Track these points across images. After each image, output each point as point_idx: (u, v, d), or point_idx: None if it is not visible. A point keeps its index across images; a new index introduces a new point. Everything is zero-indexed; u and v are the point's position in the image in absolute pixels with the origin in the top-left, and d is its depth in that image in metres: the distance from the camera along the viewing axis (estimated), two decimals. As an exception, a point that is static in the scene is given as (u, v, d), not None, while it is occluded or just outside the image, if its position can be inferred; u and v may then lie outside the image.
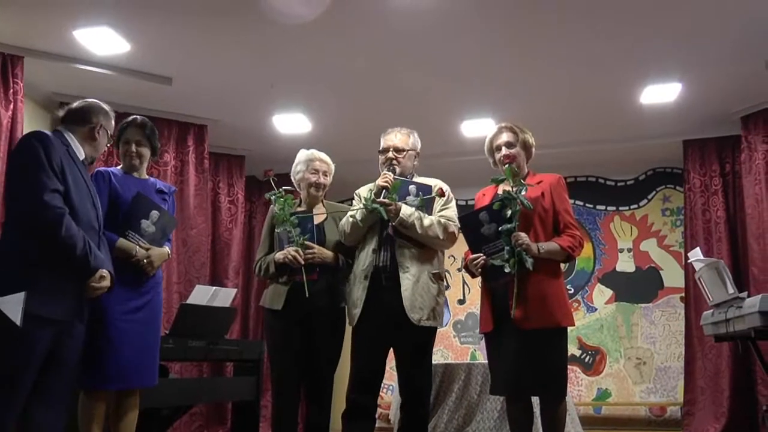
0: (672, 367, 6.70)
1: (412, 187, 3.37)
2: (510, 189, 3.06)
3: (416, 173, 3.57)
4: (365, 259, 3.35)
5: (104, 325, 3.01)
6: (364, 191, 3.48)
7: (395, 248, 3.30)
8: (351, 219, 3.39)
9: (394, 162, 3.44)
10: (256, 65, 5.17)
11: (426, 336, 3.34)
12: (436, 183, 3.46)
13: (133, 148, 3.31)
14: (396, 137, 3.50)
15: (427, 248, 3.35)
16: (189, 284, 5.69)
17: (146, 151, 3.35)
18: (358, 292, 3.32)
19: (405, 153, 3.48)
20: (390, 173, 3.37)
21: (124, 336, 3.05)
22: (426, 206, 3.33)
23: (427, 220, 3.29)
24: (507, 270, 2.94)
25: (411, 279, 3.25)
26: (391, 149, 3.47)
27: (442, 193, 3.35)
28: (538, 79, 5.34)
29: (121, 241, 3.13)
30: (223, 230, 6.65)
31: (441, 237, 3.31)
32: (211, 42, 4.82)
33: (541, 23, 4.55)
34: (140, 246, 3.17)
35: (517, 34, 4.70)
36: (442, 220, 3.34)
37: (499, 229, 2.99)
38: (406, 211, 3.25)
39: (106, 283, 2.76)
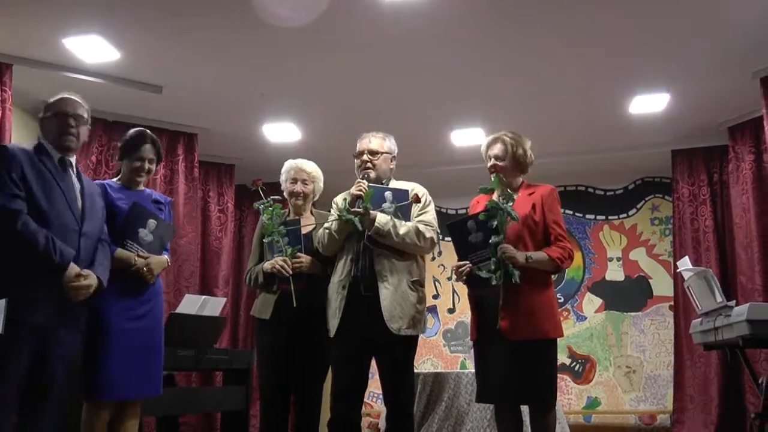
0: (661, 375, 6.71)
1: (387, 194, 3.33)
2: (498, 199, 3.06)
3: (394, 177, 3.54)
4: (343, 268, 3.32)
5: (106, 335, 3.01)
6: (339, 199, 3.47)
7: (373, 257, 3.26)
8: (326, 230, 3.38)
9: (369, 165, 3.41)
10: (247, 74, 5.16)
11: (407, 345, 3.29)
12: (413, 187, 3.43)
13: (146, 165, 3.33)
14: (370, 141, 3.48)
15: (406, 255, 3.31)
16: (178, 293, 5.67)
17: (154, 168, 3.41)
18: (336, 302, 3.29)
19: (380, 156, 3.44)
20: (364, 181, 3.33)
21: (126, 346, 3.04)
22: (402, 213, 3.28)
23: (404, 227, 3.24)
24: (493, 282, 2.94)
25: (390, 288, 3.21)
26: (366, 152, 3.44)
27: (417, 199, 3.29)
28: (528, 88, 5.36)
29: (119, 251, 3.13)
30: (212, 239, 6.63)
31: (419, 243, 3.27)
32: (201, 50, 4.81)
33: (530, 33, 4.57)
34: (139, 255, 3.17)
35: (506, 43, 4.71)
36: (420, 226, 3.29)
37: (489, 241, 2.99)
38: (381, 219, 3.21)
39: (89, 281, 2.73)
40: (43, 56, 4.85)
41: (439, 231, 3.41)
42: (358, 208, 3.22)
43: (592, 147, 6.53)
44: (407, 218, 3.31)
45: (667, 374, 6.59)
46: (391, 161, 3.52)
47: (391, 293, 3.20)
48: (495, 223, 2.99)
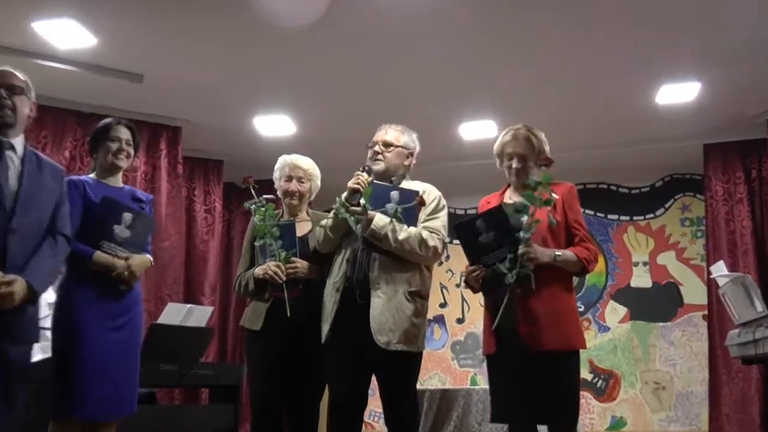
0: (694, 392, 6.68)
1: (394, 193, 3.25)
2: (525, 202, 3.02)
3: (410, 177, 3.50)
4: (338, 269, 3.28)
5: (79, 346, 2.96)
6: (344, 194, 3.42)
7: (370, 261, 3.21)
8: (320, 229, 3.35)
9: (379, 156, 3.38)
10: (236, 61, 5.15)
11: (401, 361, 3.20)
12: (424, 189, 3.36)
13: (124, 145, 3.29)
14: (386, 132, 3.45)
15: (407, 263, 3.24)
16: (160, 302, 5.67)
17: (132, 153, 3.35)
18: (329, 306, 3.26)
19: (393, 149, 3.41)
20: (363, 174, 3.27)
21: (101, 359, 3.00)
22: (407, 216, 3.21)
23: (404, 232, 3.17)
24: (509, 281, 2.91)
25: (382, 297, 3.15)
26: (379, 143, 3.42)
27: (422, 202, 3.21)
28: (544, 76, 5.34)
29: (98, 255, 3.08)
30: (198, 242, 6.63)
31: (419, 252, 3.20)
32: (186, 35, 4.80)
33: (545, 16, 4.55)
34: (118, 256, 3.12)
35: (519, 28, 4.69)
36: (424, 233, 3.22)
37: (517, 235, 2.95)
38: (379, 221, 3.14)
39: (11, 288, 2.58)
40: (11, 42, 4.84)
41: (447, 240, 3.38)
42: (355, 204, 3.17)
43: (615, 141, 6.51)
44: (413, 222, 3.24)
45: (700, 391, 6.56)
46: (407, 158, 3.46)
47: (383, 303, 3.14)
48: (523, 217, 2.95)
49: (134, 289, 3.23)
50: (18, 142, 2.80)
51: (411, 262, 3.26)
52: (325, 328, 3.24)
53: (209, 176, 6.85)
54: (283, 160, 3.76)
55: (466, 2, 4.41)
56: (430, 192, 3.38)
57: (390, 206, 3.21)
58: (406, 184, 3.39)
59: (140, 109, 5.91)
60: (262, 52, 4.99)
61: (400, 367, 3.22)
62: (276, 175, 3.76)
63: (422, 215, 3.30)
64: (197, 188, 6.76)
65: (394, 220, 3.17)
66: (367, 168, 3.32)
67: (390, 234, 3.14)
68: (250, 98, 5.72)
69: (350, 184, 3.23)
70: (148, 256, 3.31)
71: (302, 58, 5.06)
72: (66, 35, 4.74)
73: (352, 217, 3.14)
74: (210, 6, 4.44)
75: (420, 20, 4.57)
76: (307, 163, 3.76)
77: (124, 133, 3.31)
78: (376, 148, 3.41)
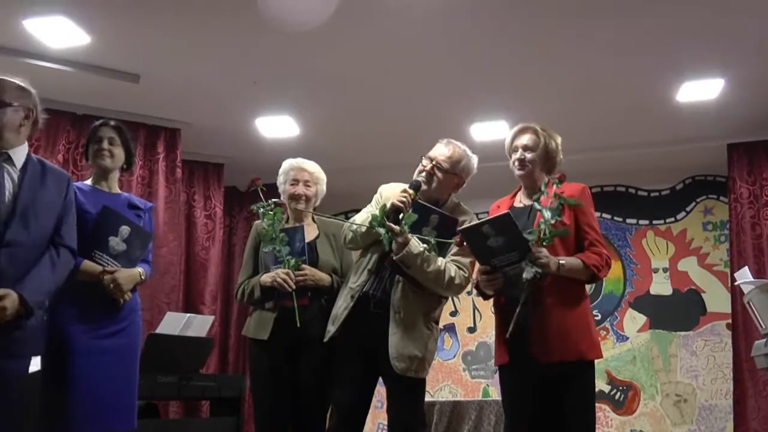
0: (718, 405, 6.64)
1: (433, 217, 3.21)
2: (536, 204, 3.02)
3: (455, 199, 3.43)
4: (358, 276, 3.30)
5: (68, 359, 2.97)
6: (387, 190, 3.38)
7: (393, 280, 3.22)
8: (350, 231, 3.34)
9: (423, 177, 3.28)
10: (237, 60, 5.15)
11: (414, 384, 3.26)
12: (464, 219, 3.29)
13: (105, 144, 3.31)
14: (447, 149, 3.35)
15: (429, 291, 3.25)
16: (158, 311, 5.67)
17: (119, 153, 3.35)
18: (340, 309, 3.28)
19: (447, 175, 3.31)
20: (411, 191, 3.21)
21: (93, 371, 3.00)
22: (438, 247, 3.19)
23: (434, 265, 3.15)
24: (527, 277, 2.90)
25: (401, 324, 3.17)
26: (434, 162, 3.32)
27: (460, 244, 3.14)
28: (558, 74, 5.32)
29: (85, 264, 3.10)
30: (198, 249, 6.64)
31: (443, 287, 3.21)
32: (184, 33, 4.79)
33: (561, 11, 4.52)
34: (105, 269, 3.13)
35: (532, 24, 4.67)
36: (452, 269, 3.21)
37: (525, 235, 2.94)
38: (413, 248, 3.11)
39: (5, 302, 2.59)
40: (0, 40, 4.84)
41: (473, 278, 3.29)
42: (395, 222, 3.12)
43: (634, 141, 6.49)
44: (444, 252, 3.23)
45: (725, 404, 6.52)
46: (457, 186, 3.39)
47: (402, 330, 3.17)
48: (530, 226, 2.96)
49: (131, 300, 3.23)
50: (17, 152, 2.83)
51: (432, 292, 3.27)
52: (332, 329, 3.27)
53: (209, 180, 6.85)
54: (289, 163, 3.79)
55: (475, 1, 4.40)
56: (468, 223, 3.28)
57: (426, 231, 3.18)
58: (450, 208, 3.36)
59: (137, 111, 5.92)
60: (264, 50, 4.99)
61: (411, 389, 3.26)
62: (280, 179, 3.78)
63: (454, 246, 3.25)
64: (197, 193, 6.77)
65: (426, 248, 3.14)
66: (415, 185, 3.26)
67: (420, 264, 3.13)
68: (252, 99, 5.72)
69: (395, 201, 3.18)
70: (139, 270, 3.29)
71: (306, 56, 5.04)
72: (58, 33, 4.73)
73: (387, 234, 3.11)
74: (210, 2, 4.43)
75: (429, 20, 4.55)
76: (313, 167, 3.78)
77: (107, 132, 3.33)
78: (428, 167, 3.31)
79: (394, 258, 3.14)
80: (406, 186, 3.26)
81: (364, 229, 3.26)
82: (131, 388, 3.19)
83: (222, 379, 5.02)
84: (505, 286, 3.01)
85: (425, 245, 3.13)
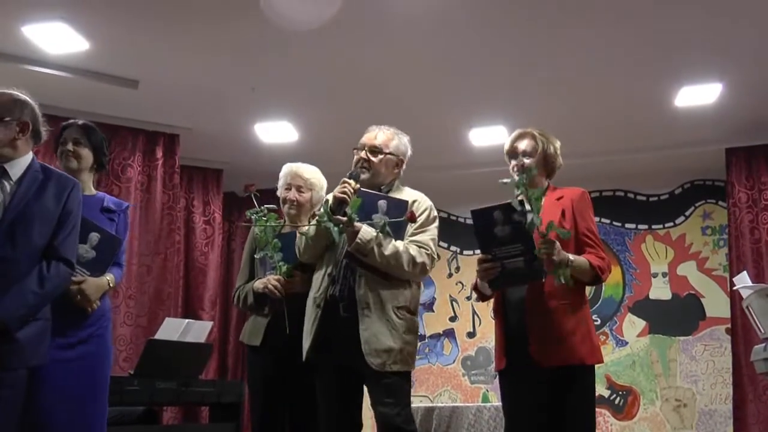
0: (718, 410, 6.64)
1: (382, 202, 3.16)
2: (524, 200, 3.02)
3: (401, 184, 3.40)
4: (320, 283, 3.20)
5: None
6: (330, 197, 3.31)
7: (355, 277, 3.13)
8: (301, 239, 3.26)
9: (365, 165, 3.27)
10: (236, 66, 5.15)
11: (397, 381, 3.12)
12: (415, 198, 3.27)
13: (70, 146, 3.24)
14: (376, 136, 3.34)
15: (393, 278, 3.16)
16: (155, 317, 5.66)
17: (86, 154, 3.28)
18: (309, 322, 3.18)
19: (382, 157, 3.30)
20: (351, 181, 3.15)
21: (56, 384, 2.88)
22: (394, 229, 3.11)
23: (390, 247, 3.07)
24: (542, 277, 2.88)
25: (371, 317, 3.07)
26: (366, 148, 3.31)
27: (412, 219, 3.09)
28: (557, 79, 5.33)
29: None
30: (197, 254, 6.64)
31: (406, 268, 3.11)
32: (183, 39, 4.80)
33: (559, 16, 4.53)
34: (74, 278, 2.99)
35: (532, 28, 4.68)
36: (412, 249, 3.13)
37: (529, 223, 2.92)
38: (365, 234, 3.03)
39: None
40: (0, 47, 4.85)
41: (437, 256, 3.28)
42: (341, 214, 3.05)
43: (633, 146, 6.50)
44: (400, 236, 3.16)
45: (725, 409, 6.52)
46: (396, 166, 3.37)
47: (372, 322, 3.06)
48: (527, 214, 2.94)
49: (101, 306, 3.15)
50: (13, 165, 2.78)
51: (398, 278, 3.18)
52: (306, 345, 3.17)
53: (208, 185, 6.85)
54: (287, 168, 3.78)
55: (474, 5, 4.40)
56: (420, 203, 3.29)
57: (377, 217, 3.11)
58: (396, 192, 3.31)
59: (135, 116, 5.92)
60: (263, 55, 4.99)
61: (395, 386, 3.11)
62: (279, 184, 3.78)
63: (410, 228, 3.20)
64: (196, 198, 6.77)
65: (380, 233, 3.07)
66: (354, 174, 3.22)
67: (376, 249, 3.05)
68: (251, 104, 5.72)
69: (336, 192, 3.12)
70: (108, 278, 3.20)
71: (305, 61, 5.05)
72: (57, 39, 4.74)
73: (336, 228, 3.03)
74: (208, 8, 4.43)
75: (427, 24, 4.56)
76: (309, 173, 3.74)
77: (72, 133, 3.28)
78: (363, 154, 3.30)
79: (349, 249, 3.08)
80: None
81: (313, 230, 3.17)
82: (102, 401, 3.07)
83: (221, 384, 5.00)
84: (500, 278, 3.00)
85: (377, 230, 3.06)
